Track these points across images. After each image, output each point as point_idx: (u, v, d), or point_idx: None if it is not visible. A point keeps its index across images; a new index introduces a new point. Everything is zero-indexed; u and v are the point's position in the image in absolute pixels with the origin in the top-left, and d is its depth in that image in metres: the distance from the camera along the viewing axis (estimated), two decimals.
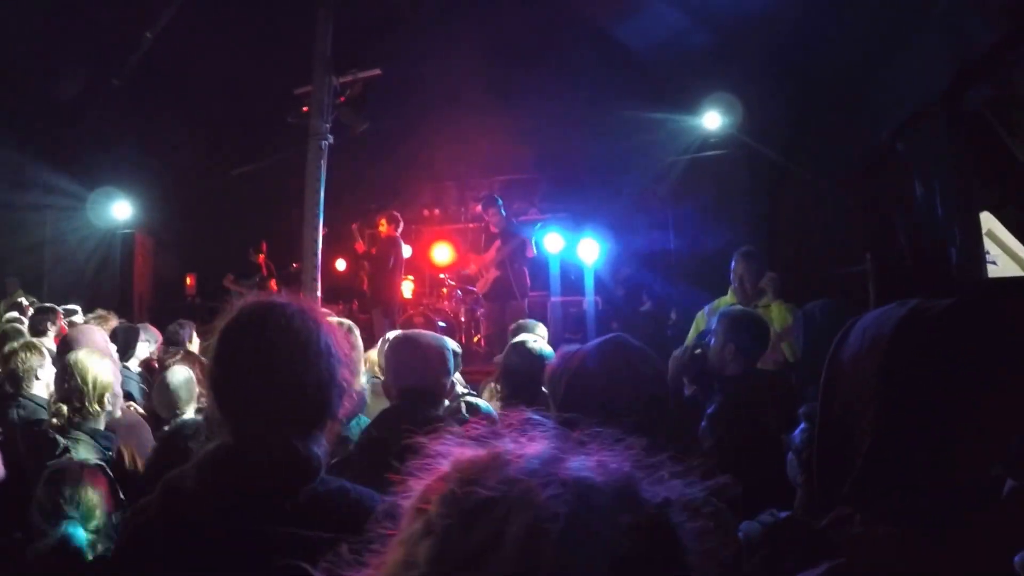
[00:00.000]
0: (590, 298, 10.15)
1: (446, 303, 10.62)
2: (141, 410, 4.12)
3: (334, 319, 3.45)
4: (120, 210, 11.34)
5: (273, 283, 10.58)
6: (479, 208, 11.50)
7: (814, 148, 8.44)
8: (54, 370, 3.67)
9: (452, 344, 2.83)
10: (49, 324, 5.76)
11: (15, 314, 6.76)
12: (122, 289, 11.39)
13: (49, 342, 5.14)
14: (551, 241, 10.02)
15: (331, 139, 7.05)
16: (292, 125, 7.27)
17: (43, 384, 3.68)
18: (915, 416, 1.16)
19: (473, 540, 0.69)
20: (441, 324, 8.89)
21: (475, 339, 10.43)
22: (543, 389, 3.63)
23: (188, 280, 12.18)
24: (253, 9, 8.63)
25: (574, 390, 1.90)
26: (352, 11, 7.35)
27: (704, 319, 4.84)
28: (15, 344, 3.82)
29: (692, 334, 4.86)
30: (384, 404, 2.99)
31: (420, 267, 11.93)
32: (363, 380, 3.53)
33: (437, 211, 12.87)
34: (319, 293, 7.00)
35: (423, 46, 9.08)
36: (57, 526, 2.24)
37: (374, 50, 7.88)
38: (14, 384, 3.64)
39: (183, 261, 12.43)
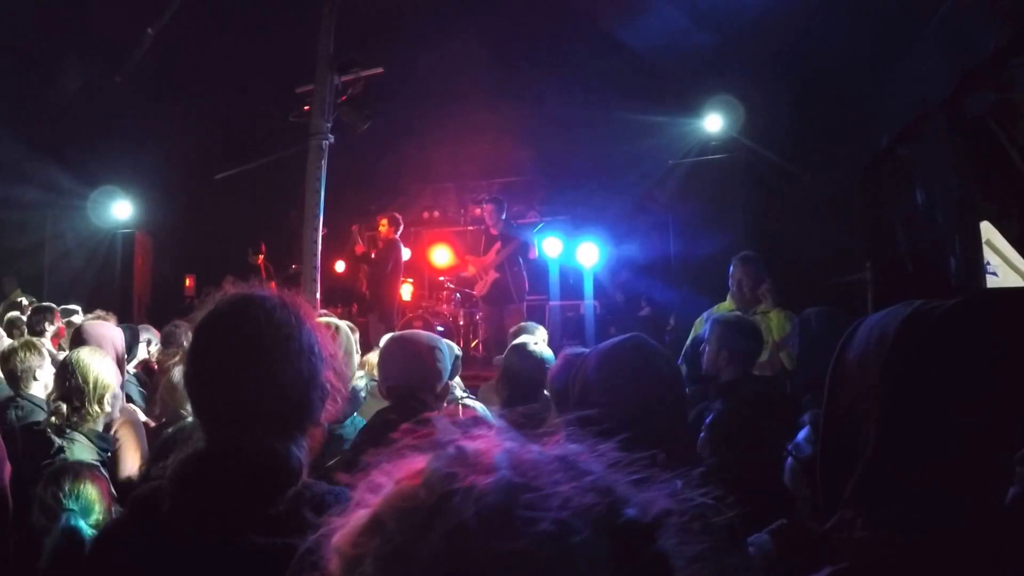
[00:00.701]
0: (589, 302, 10.15)
1: (445, 306, 10.61)
2: (142, 414, 4.10)
3: (333, 320, 3.45)
4: (120, 210, 11.32)
5: (273, 285, 10.54)
6: (478, 210, 11.51)
7: (815, 153, 8.43)
8: (53, 370, 3.66)
9: (451, 346, 2.80)
10: (47, 324, 5.74)
11: (16, 314, 6.74)
12: (122, 289, 11.37)
13: (47, 342, 5.12)
14: (550, 245, 10.02)
15: (332, 138, 7.04)
16: (294, 124, 7.26)
17: (41, 384, 3.66)
18: (917, 418, 1.15)
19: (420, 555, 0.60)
20: (440, 328, 8.90)
21: (473, 344, 10.41)
22: (544, 392, 3.65)
23: (187, 281, 12.16)
24: (256, 7, 8.63)
25: (592, 392, 1.84)
26: (354, 10, 7.35)
27: (702, 325, 4.84)
28: (15, 343, 3.80)
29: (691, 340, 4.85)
30: (378, 405, 2.98)
31: (419, 269, 11.91)
32: (362, 383, 3.51)
33: (436, 213, 12.86)
34: (318, 295, 6.98)
35: (424, 46, 9.07)
36: (58, 520, 2.24)
37: (375, 49, 7.87)
38: (12, 384, 3.63)
39: (183, 262, 12.43)
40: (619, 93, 9.43)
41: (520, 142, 11.08)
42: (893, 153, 7.33)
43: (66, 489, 2.31)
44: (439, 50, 9.05)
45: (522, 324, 4.78)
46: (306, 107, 7.09)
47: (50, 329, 5.71)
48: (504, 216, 9.21)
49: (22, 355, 3.64)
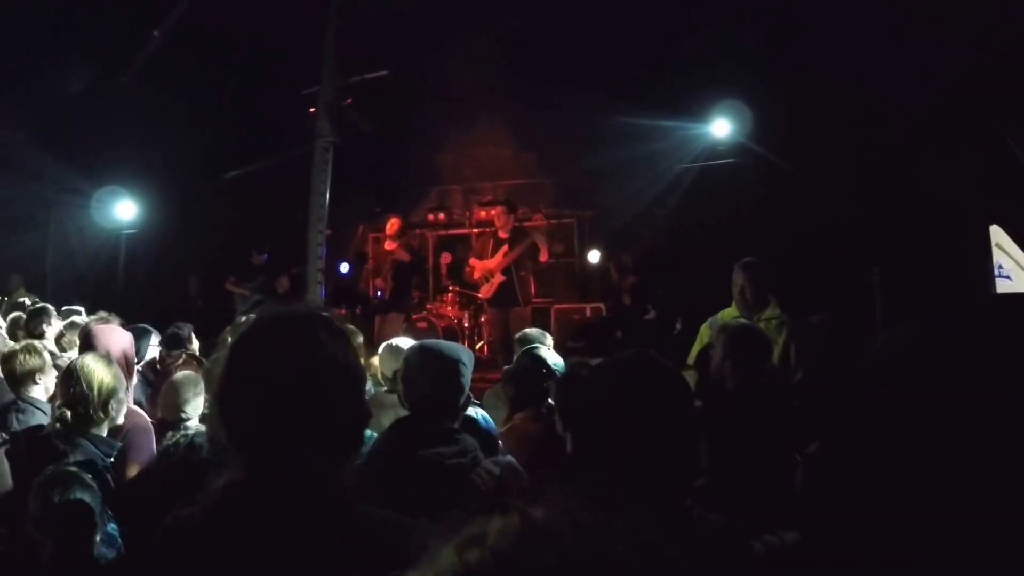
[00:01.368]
0: (595, 306, 10.15)
1: (450, 309, 10.57)
2: (146, 415, 4.07)
3: (349, 327, 3.41)
4: (124, 210, 11.32)
5: (276, 285, 10.50)
6: (483, 213, 11.50)
7: (821, 157, 8.40)
8: (54, 372, 3.64)
9: (471, 356, 2.76)
10: (45, 326, 5.72)
11: (19, 314, 6.72)
12: (125, 289, 11.36)
13: (50, 343, 5.10)
14: (555, 248, 10.01)
15: (337, 140, 7.03)
16: (299, 125, 7.26)
17: (42, 387, 3.64)
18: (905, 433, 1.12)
19: None
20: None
21: (478, 346, 10.38)
22: (549, 400, 3.64)
23: (191, 281, 12.15)
24: (262, 10, 8.63)
25: (601, 417, 1.76)
26: (360, 13, 7.34)
27: (708, 331, 4.80)
28: (15, 347, 3.78)
29: (696, 346, 4.82)
30: (384, 416, 2.95)
31: (425, 271, 11.90)
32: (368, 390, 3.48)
33: (442, 215, 12.84)
34: (322, 296, 6.96)
35: (430, 49, 9.07)
36: (48, 533, 2.22)
37: (381, 52, 7.86)
38: (13, 387, 3.61)
39: (186, 262, 12.41)
40: (626, 97, 9.39)
41: (527, 145, 11.07)
42: (900, 156, 7.30)
43: (56, 502, 2.30)
44: (446, 52, 9.04)
45: (528, 330, 4.75)
46: (312, 109, 7.09)
47: (49, 331, 5.67)
48: (513, 219, 9.17)
49: (22, 358, 3.62)
